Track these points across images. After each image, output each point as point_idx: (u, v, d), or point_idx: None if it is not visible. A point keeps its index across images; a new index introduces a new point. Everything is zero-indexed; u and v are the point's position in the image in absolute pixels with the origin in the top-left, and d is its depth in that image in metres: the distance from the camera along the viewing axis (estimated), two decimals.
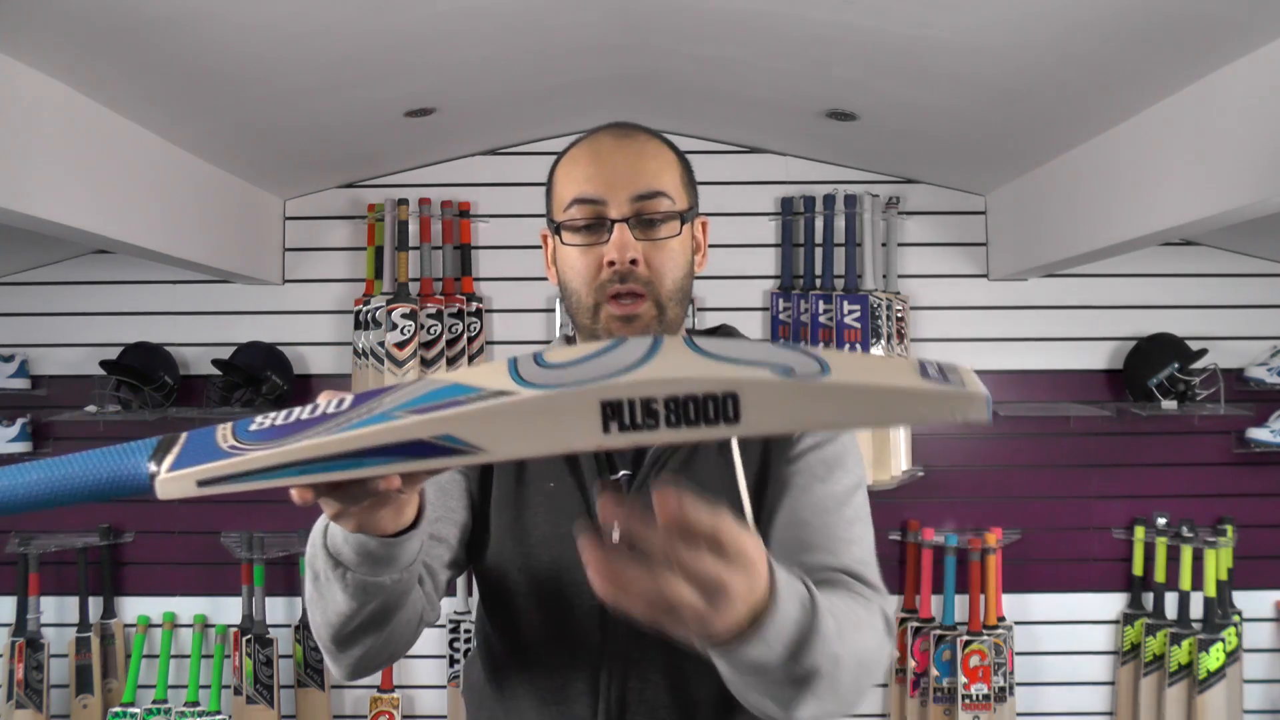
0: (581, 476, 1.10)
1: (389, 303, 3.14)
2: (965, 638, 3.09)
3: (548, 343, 3.20)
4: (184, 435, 0.67)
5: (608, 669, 1.05)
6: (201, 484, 0.63)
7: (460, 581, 3.15)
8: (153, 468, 0.64)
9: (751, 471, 1.09)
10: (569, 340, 1.21)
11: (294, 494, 0.69)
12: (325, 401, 0.68)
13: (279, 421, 0.66)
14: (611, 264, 1.05)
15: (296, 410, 0.67)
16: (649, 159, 1.09)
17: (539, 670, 1.09)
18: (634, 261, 1.05)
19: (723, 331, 1.22)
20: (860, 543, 1.05)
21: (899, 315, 3.18)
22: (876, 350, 3.14)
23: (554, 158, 1.17)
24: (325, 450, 0.62)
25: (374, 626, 0.93)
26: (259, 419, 0.67)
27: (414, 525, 0.85)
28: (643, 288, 1.06)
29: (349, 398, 0.67)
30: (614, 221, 1.06)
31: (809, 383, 0.58)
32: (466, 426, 0.60)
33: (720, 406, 0.58)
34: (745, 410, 0.58)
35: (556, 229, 1.11)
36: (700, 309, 3.24)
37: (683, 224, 1.09)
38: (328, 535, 0.89)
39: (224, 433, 0.66)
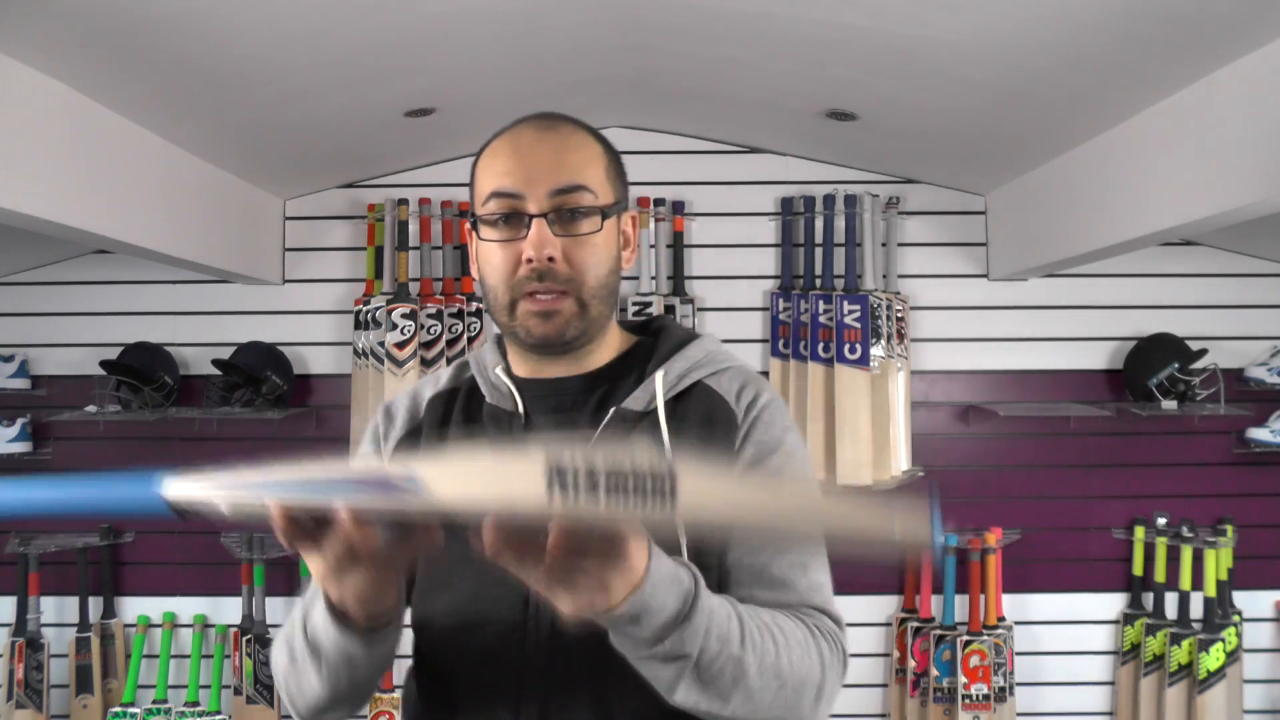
0: None
1: (389, 303, 3.14)
2: (965, 638, 3.09)
3: None
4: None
5: (529, 690, 1.00)
6: (203, 493, 0.76)
7: None
8: (164, 482, 0.77)
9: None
10: (499, 342, 1.16)
11: (275, 519, 0.79)
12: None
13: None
14: (529, 261, 1.01)
15: None
16: (571, 151, 1.05)
17: (462, 691, 1.05)
18: (552, 259, 1.01)
19: (655, 325, 1.19)
20: (810, 569, 1.04)
21: (899, 315, 3.18)
22: (876, 350, 3.14)
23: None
24: (307, 474, 0.75)
25: (349, 699, 0.99)
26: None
27: (391, 621, 0.92)
28: (563, 285, 1.02)
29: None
30: (532, 217, 1.01)
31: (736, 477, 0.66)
32: (431, 470, 0.70)
33: (658, 485, 0.65)
34: (681, 491, 0.65)
35: (474, 224, 1.06)
36: (700, 309, 3.24)
37: (605, 219, 1.04)
38: (308, 623, 0.95)
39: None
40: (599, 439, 1.05)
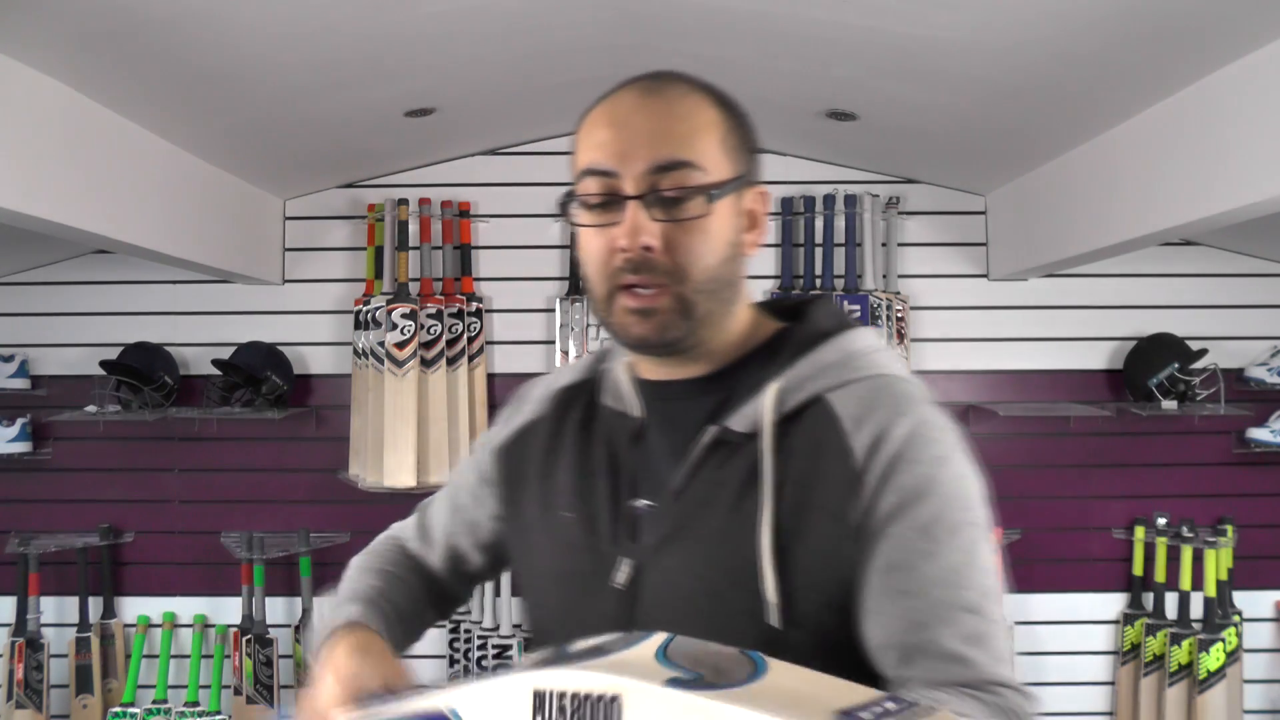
0: (594, 506, 0.96)
1: (389, 303, 3.14)
2: None
3: (550, 343, 3.21)
4: None
5: None
6: None
7: None
8: None
9: (795, 524, 0.87)
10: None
11: None
12: None
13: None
14: (623, 250, 0.87)
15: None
16: (676, 120, 0.89)
17: None
18: (649, 248, 0.86)
19: (804, 309, 0.99)
20: (990, 637, 0.83)
21: (899, 315, 3.18)
22: None
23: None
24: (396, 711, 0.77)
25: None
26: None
27: None
28: (662, 278, 0.87)
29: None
30: (627, 198, 0.87)
31: (697, 696, 0.57)
32: (465, 703, 0.69)
33: (607, 709, 0.60)
34: (627, 713, 0.59)
35: (564, 205, 0.93)
36: None
37: (715, 199, 0.88)
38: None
39: None
40: (693, 466, 0.91)
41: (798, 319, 0.97)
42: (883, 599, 0.84)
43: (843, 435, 0.87)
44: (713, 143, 0.90)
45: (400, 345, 3.10)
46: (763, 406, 0.89)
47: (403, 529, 1.16)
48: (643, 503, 0.93)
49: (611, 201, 0.88)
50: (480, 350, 3.23)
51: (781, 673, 0.59)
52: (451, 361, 3.16)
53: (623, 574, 0.91)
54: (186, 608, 3.26)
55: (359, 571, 1.08)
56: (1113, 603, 3.27)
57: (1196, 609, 3.11)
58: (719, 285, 0.90)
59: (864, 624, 0.85)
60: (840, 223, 3.25)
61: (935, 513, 0.85)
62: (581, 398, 1.03)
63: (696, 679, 0.58)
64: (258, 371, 3.11)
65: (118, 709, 3.03)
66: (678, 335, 0.89)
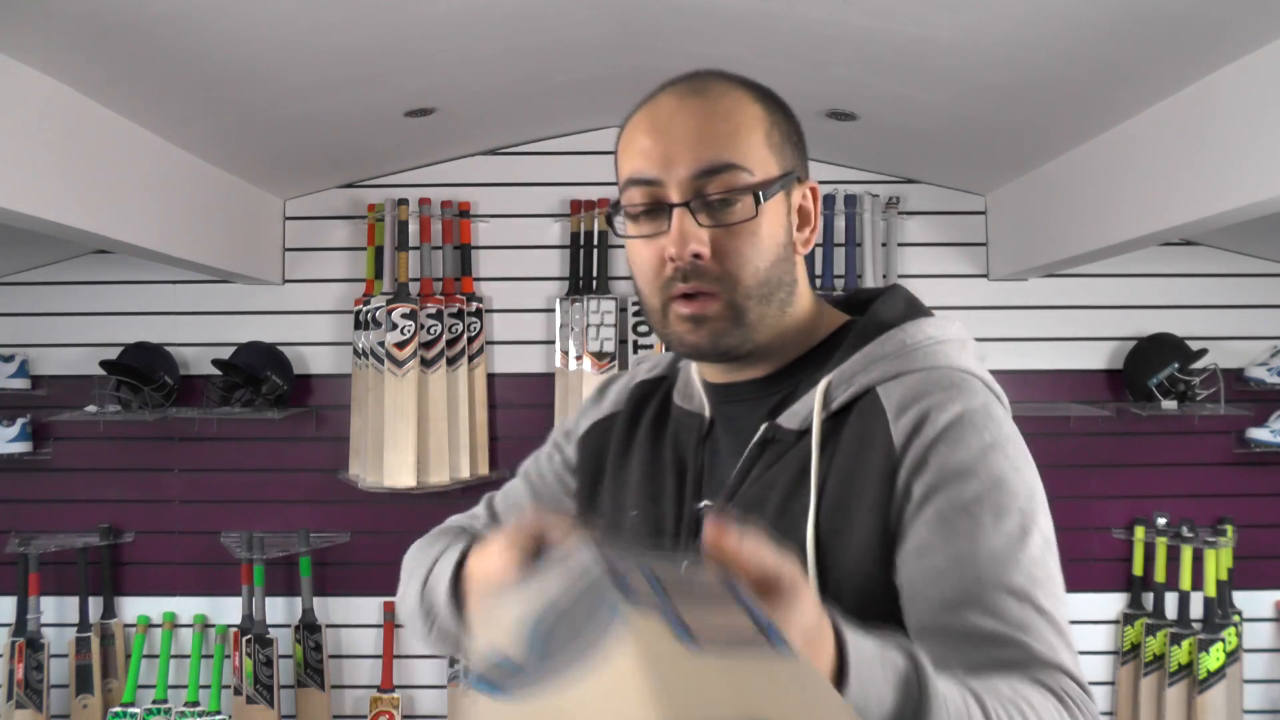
0: (661, 506, 0.96)
1: (389, 303, 3.14)
2: None
3: (550, 343, 3.22)
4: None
5: None
6: None
7: None
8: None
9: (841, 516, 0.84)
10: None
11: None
12: None
13: None
14: (672, 259, 0.85)
15: None
16: (718, 121, 0.86)
17: None
18: (698, 255, 0.84)
19: (876, 299, 0.96)
20: (1049, 618, 0.77)
21: None
22: None
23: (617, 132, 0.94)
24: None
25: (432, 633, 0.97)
26: None
27: None
28: (713, 284, 0.85)
29: None
30: (673, 206, 0.85)
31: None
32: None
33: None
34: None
35: (610, 217, 0.92)
36: None
37: (761, 200, 0.85)
38: (452, 590, 0.92)
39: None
40: (745, 466, 0.90)
41: (866, 312, 0.94)
42: (917, 583, 0.79)
43: (886, 426, 0.83)
44: (757, 141, 0.87)
45: (400, 345, 3.10)
46: (812, 403, 0.86)
47: (467, 517, 1.13)
48: (705, 504, 0.93)
49: (658, 210, 0.86)
50: (480, 350, 3.23)
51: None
52: (451, 361, 3.16)
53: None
54: (186, 608, 3.26)
55: (428, 545, 1.03)
56: (1113, 603, 3.27)
57: (1196, 609, 3.11)
58: (771, 288, 0.87)
59: (905, 617, 0.80)
60: (840, 223, 3.25)
61: (978, 493, 0.79)
62: (657, 395, 1.03)
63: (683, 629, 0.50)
64: (258, 371, 3.11)
65: (118, 709, 3.03)
66: (732, 343, 0.87)
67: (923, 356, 0.88)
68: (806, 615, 0.55)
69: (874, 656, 0.60)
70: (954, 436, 0.81)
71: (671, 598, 0.51)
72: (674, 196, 0.85)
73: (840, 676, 0.57)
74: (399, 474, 3.05)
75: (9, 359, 3.24)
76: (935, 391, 0.84)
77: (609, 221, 0.93)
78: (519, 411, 3.28)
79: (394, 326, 3.10)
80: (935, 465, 0.80)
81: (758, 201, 0.85)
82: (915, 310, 0.94)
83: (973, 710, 0.65)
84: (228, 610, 3.24)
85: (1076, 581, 3.23)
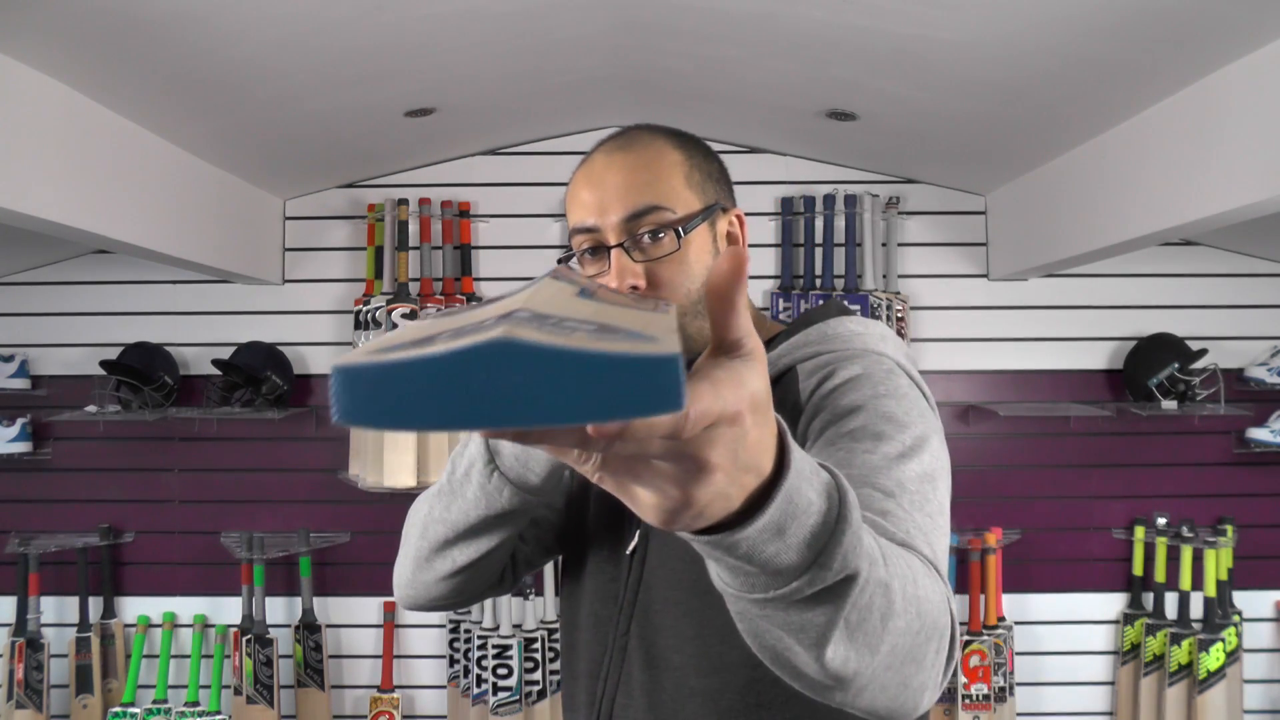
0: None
1: (389, 303, 3.14)
2: (965, 638, 3.09)
3: None
4: None
5: (602, 685, 1.06)
6: None
7: None
8: None
9: None
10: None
11: None
12: None
13: None
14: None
15: None
16: (640, 171, 1.00)
17: (568, 676, 1.14)
18: (635, 287, 0.97)
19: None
20: (911, 520, 0.80)
21: (899, 315, 3.18)
22: None
23: (564, 163, 1.11)
24: None
25: (477, 537, 0.98)
26: None
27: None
28: None
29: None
30: (610, 248, 0.99)
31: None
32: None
33: None
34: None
35: (564, 260, 1.04)
36: None
37: (683, 234, 0.99)
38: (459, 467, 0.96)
39: None
40: None
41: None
42: None
43: (797, 388, 0.96)
44: (678, 183, 1.00)
45: None
46: None
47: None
48: None
49: (599, 251, 1.01)
50: None
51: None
52: None
53: (633, 543, 1.04)
54: (186, 608, 3.26)
55: (435, 495, 1.02)
56: (1112, 603, 3.27)
57: (1196, 609, 3.11)
58: (703, 307, 0.94)
59: None
60: (840, 223, 3.25)
61: (863, 423, 0.87)
62: None
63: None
64: (258, 371, 3.11)
65: (118, 709, 3.02)
66: None
67: (841, 341, 1.00)
68: (758, 382, 0.48)
69: (805, 459, 0.56)
70: (851, 386, 0.92)
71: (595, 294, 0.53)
72: (610, 239, 0.99)
73: (780, 468, 0.52)
74: (399, 474, 3.05)
75: (9, 359, 3.24)
76: (843, 361, 0.96)
77: (565, 264, 1.03)
78: None
79: (394, 326, 3.10)
80: (830, 407, 0.91)
81: (679, 235, 0.99)
82: (844, 313, 1.06)
83: (866, 534, 0.62)
84: (228, 610, 3.24)
85: (1076, 581, 3.25)
